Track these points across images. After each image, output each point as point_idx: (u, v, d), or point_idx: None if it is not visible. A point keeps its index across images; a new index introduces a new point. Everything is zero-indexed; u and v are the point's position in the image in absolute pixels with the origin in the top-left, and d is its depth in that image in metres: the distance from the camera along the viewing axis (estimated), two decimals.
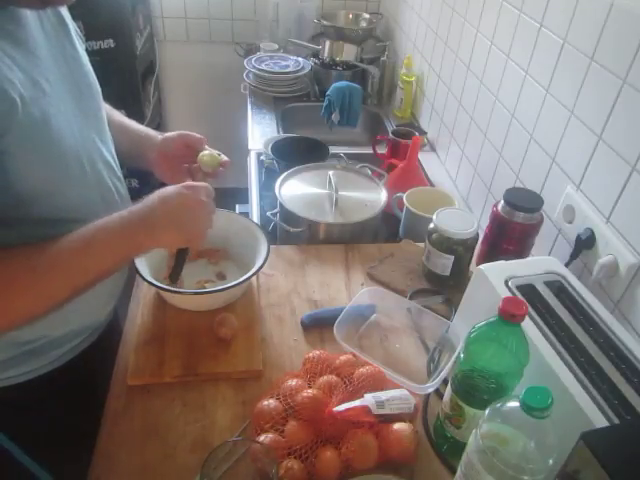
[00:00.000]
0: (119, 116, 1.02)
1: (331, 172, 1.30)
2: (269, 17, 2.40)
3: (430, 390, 0.86)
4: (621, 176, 0.86)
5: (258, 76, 2.08)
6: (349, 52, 2.10)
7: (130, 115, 1.05)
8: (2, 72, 0.64)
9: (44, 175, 0.72)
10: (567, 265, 0.94)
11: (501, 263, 0.88)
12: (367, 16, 2.34)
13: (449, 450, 0.79)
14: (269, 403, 0.78)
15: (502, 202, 1.02)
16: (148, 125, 1.07)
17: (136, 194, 1.01)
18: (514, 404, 0.58)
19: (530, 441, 0.57)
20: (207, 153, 0.93)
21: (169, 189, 0.79)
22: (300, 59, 2.19)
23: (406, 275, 1.13)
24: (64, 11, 0.83)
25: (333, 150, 1.55)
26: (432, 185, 1.54)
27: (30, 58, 0.70)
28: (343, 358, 0.86)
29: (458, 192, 1.53)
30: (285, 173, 1.32)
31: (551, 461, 0.56)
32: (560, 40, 1.03)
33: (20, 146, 0.67)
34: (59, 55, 0.78)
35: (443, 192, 1.36)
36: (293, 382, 0.81)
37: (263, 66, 2.10)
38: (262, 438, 0.73)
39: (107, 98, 0.93)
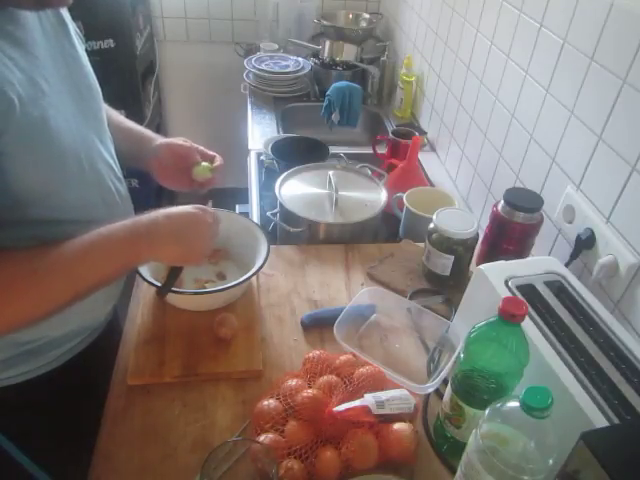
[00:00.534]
0: (118, 116, 1.02)
1: (331, 172, 1.30)
2: (269, 17, 2.40)
3: (430, 390, 0.86)
4: (621, 176, 0.86)
5: (258, 76, 2.08)
6: (349, 52, 2.10)
7: (130, 115, 1.05)
8: (0, 72, 0.63)
9: (43, 176, 0.72)
10: (567, 265, 0.94)
11: (501, 263, 0.88)
12: (367, 16, 2.34)
13: (449, 450, 0.79)
14: (269, 403, 0.78)
15: (502, 202, 1.02)
16: (148, 125, 1.07)
17: (136, 194, 1.01)
18: (514, 404, 0.58)
19: (530, 441, 0.57)
20: (200, 168, 0.94)
21: (178, 208, 0.80)
22: (300, 59, 2.19)
23: (406, 275, 1.13)
24: (64, 11, 0.82)
25: (333, 150, 1.55)
26: (432, 185, 1.54)
27: (29, 58, 0.70)
28: (343, 358, 0.86)
29: (458, 192, 1.53)
30: (285, 173, 1.32)
31: (551, 461, 0.56)
32: (560, 40, 1.03)
33: (18, 147, 0.67)
34: (58, 55, 0.77)
35: (443, 192, 1.36)
36: (293, 382, 0.81)
37: (263, 66, 2.10)
38: (262, 438, 0.73)
39: (107, 98, 0.93)
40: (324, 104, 1.82)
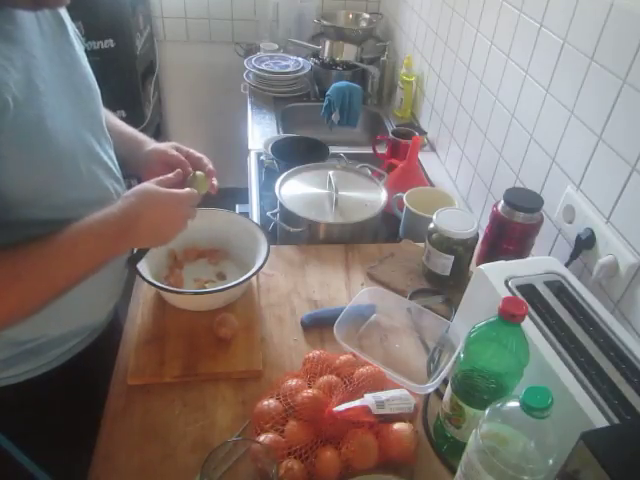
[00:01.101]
0: (113, 119, 1.01)
1: (331, 172, 1.30)
2: (269, 17, 2.40)
3: (430, 390, 0.86)
4: (621, 176, 0.86)
5: (258, 76, 2.08)
6: (349, 52, 2.10)
7: (130, 115, 1.05)
8: None
9: (38, 176, 0.72)
10: (567, 265, 0.94)
11: (501, 263, 0.88)
12: (367, 16, 2.34)
13: (449, 450, 0.79)
14: (269, 403, 0.78)
15: (502, 202, 1.02)
16: (148, 125, 1.07)
17: None
18: (514, 404, 0.58)
19: (530, 441, 0.57)
20: (197, 181, 0.88)
21: (156, 196, 0.79)
22: (300, 59, 2.19)
23: (406, 275, 1.13)
24: (63, 12, 0.82)
25: (333, 150, 1.55)
26: (432, 185, 1.54)
27: (26, 58, 0.70)
28: (343, 358, 0.86)
29: (458, 192, 1.53)
30: (285, 173, 1.32)
31: (551, 461, 0.56)
32: (560, 40, 1.03)
33: (13, 147, 0.67)
34: (56, 56, 0.77)
35: (443, 192, 1.36)
36: (293, 382, 0.81)
37: (263, 66, 2.10)
38: (262, 438, 0.73)
39: (107, 98, 0.93)
40: (324, 104, 1.82)
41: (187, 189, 0.83)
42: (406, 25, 2.08)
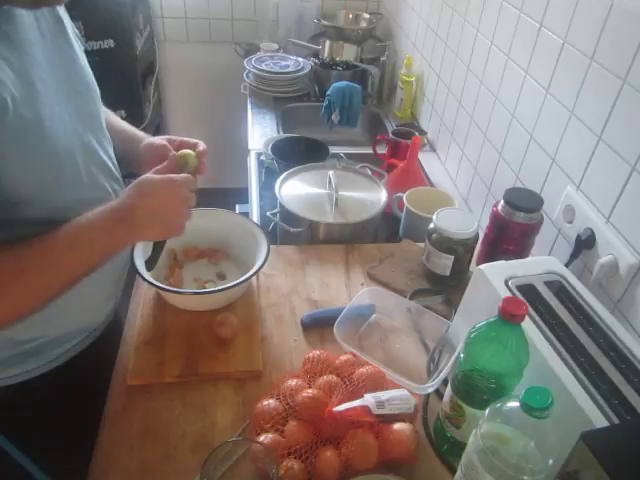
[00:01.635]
0: (113, 117, 1.01)
1: (331, 172, 1.30)
2: (269, 17, 2.40)
3: (430, 390, 0.86)
4: (621, 176, 0.86)
5: (258, 76, 2.08)
6: (349, 52, 2.10)
7: (130, 115, 1.05)
8: None
9: (37, 176, 0.72)
10: (567, 265, 0.94)
11: (501, 263, 0.88)
12: (367, 16, 2.34)
13: (449, 450, 0.79)
14: (269, 403, 0.78)
15: (502, 202, 1.02)
16: (148, 125, 1.07)
17: None
18: (514, 404, 0.58)
19: (530, 441, 0.57)
20: (183, 157, 0.87)
21: (151, 183, 0.78)
22: (300, 59, 2.19)
23: (406, 275, 1.13)
24: (62, 11, 0.82)
25: (333, 150, 1.55)
26: (432, 185, 1.54)
27: (24, 58, 0.70)
28: (343, 358, 0.86)
29: (458, 192, 1.53)
30: (285, 173, 1.32)
31: (551, 461, 0.56)
32: (560, 40, 1.03)
33: (11, 147, 0.67)
34: (55, 55, 0.77)
35: (443, 192, 1.36)
36: (293, 382, 0.81)
37: (263, 66, 2.10)
38: (262, 438, 0.73)
39: (107, 98, 0.93)
40: (324, 104, 1.82)
41: (182, 174, 0.82)
42: (406, 25, 2.08)
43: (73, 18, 0.86)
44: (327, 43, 2.14)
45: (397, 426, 0.76)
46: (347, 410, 0.74)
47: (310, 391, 0.77)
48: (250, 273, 0.94)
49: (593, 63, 0.93)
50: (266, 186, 1.49)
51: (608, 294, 0.90)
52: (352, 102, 1.81)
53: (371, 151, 1.63)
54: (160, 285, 0.92)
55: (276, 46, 2.30)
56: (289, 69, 2.12)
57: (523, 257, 1.02)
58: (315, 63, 2.17)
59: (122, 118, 1.04)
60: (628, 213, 0.86)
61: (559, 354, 0.72)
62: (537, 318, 0.79)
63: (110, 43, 2.02)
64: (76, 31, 0.86)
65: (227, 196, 2.18)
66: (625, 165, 0.85)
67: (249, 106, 2.02)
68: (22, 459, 0.87)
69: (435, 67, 1.73)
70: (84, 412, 0.86)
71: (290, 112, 2.02)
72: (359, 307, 1.00)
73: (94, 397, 0.87)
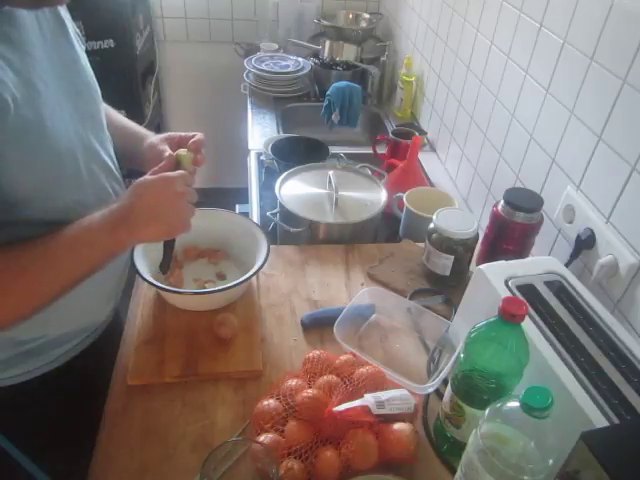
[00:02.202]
0: (116, 115, 1.01)
1: (331, 172, 1.30)
2: (269, 17, 2.40)
3: (430, 390, 0.86)
4: (621, 176, 0.86)
5: (258, 76, 2.08)
6: (349, 52, 2.10)
7: (130, 115, 1.05)
8: None
9: (38, 177, 0.72)
10: (567, 265, 0.94)
11: (501, 263, 0.88)
12: (367, 16, 2.34)
13: (449, 450, 0.79)
14: (269, 403, 0.78)
15: (502, 202, 1.02)
16: (148, 125, 1.06)
17: None
18: (514, 404, 0.58)
19: (530, 441, 0.57)
20: (179, 158, 0.85)
21: (145, 182, 0.77)
22: (300, 59, 2.19)
23: (406, 275, 1.13)
24: (63, 12, 0.82)
25: (333, 150, 1.55)
26: (432, 185, 1.54)
27: (25, 59, 0.70)
28: (343, 358, 0.86)
29: (458, 192, 1.53)
30: (285, 173, 1.32)
31: (551, 461, 0.56)
32: (560, 40, 1.03)
33: (12, 148, 0.67)
34: (56, 56, 0.77)
35: (443, 192, 1.36)
36: (293, 382, 0.81)
37: (263, 66, 2.10)
38: (262, 438, 0.73)
39: (107, 98, 0.93)
40: (324, 104, 1.82)
41: (177, 171, 0.81)
42: (406, 25, 2.08)
43: (73, 18, 0.86)
44: (327, 43, 2.14)
45: (397, 426, 0.76)
46: (347, 410, 0.74)
47: (310, 391, 0.77)
48: (250, 273, 0.94)
49: (593, 63, 0.93)
50: (266, 186, 1.49)
51: (608, 294, 0.90)
52: (352, 102, 1.81)
53: (371, 151, 1.63)
54: (160, 285, 0.92)
55: (276, 46, 2.30)
56: (289, 69, 2.12)
57: (523, 257, 1.02)
58: (315, 63, 2.17)
59: None
60: (628, 213, 0.86)
61: (559, 354, 0.73)
62: (537, 318, 0.79)
63: (110, 43, 2.03)
64: (77, 31, 0.86)
65: (227, 196, 2.18)
66: (625, 165, 0.85)
67: (249, 106, 2.02)
68: (22, 459, 0.87)
69: (435, 67, 1.73)
70: (84, 412, 0.86)
71: (290, 112, 2.02)
72: (359, 307, 1.00)
73: (94, 397, 0.87)
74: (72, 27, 0.84)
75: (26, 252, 0.70)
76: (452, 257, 1.06)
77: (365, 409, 0.75)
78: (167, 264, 0.89)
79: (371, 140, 1.70)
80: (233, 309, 0.98)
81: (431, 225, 1.08)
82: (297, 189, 1.29)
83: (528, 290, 0.83)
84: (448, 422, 0.77)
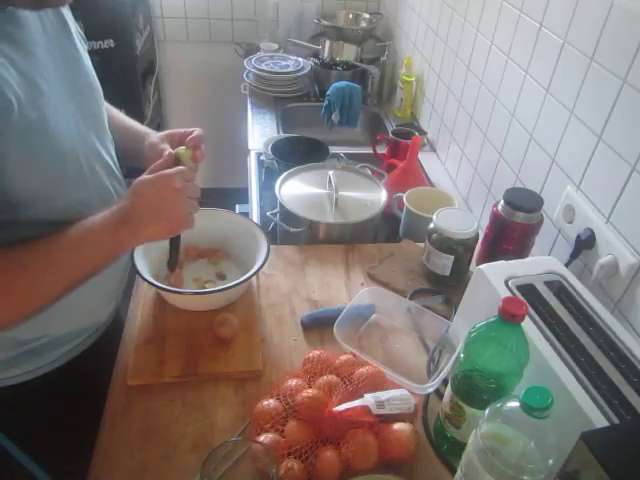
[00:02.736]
0: (118, 114, 1.01)
1: (331, 172, 1.30)
2: (269, 17, 2.40)
3: (430, 390, 0.86)
4: (621, 176, 0.86)
5: (258, 76, 2.08)
6: (349, 52, 2.10)
7: (130, 115, 1.05)
8: None
9: (40, 177, 0.72)
10: (567, 265, 0.94)
11: (501, 263, 0.88)
12: (367, 16, 2.34)
13: (449, 450, 0.79)
14: (269, 403, 0.78)
15: (502, 202, 1.02)
16: (148, 125, 1.06)
17: None
18: (514, 404, 0.58)
19: (530, 441, 0.57)
20: (178, 156, 0.85)
21: (144, 181, 0.77)
22: (300, 59, 2.19)
23: (406, 275, 1.13)
24: (66, 11, 0.83)
25: (333, 150, 1.55)
26: (432, 185, 1.54)
27: (29, 59, 0.70)
28: (343, 358, 0.86)
29: (458, 192, 1.53)
30: (285, 173, 1.32)
31: (551, 461, 0.56)
32: (560, 40, 1.03)
33: (16, 148, 0.67)
34: (59, 56, 0.77)
35: (443, 192, 1.36)
36: (293, 382, 0.81)
37: (263, 66, 2.10)
38: (262, 438, 0.73)
39: (107, 98, 0.93)
40: (324, 104, 1.82)
41: (176, 167, 0.80)
42: (406, 25, 2.08)
43: (74, 18, 0.86)
44: (327, 43, 2.14)
45: (397, 426, 0.76)
46: (347, 410, 0.74)
47: (310, 391, 0.77)
48: (250, 273, 0.94)
49: (593, 63, 0.93)
50: (266, 186, 1.49)
51: (608, 294, 0.90)
52: (352, 102, 1.81)
53: (371, 151, 1.63)
54: (160, 285, 0.92)
55: (276, 46, 2.30)
56: (289, 69, 2.12)
57: (523, 257, 1.02)
58: (315, 63, 2.17)
59: None
60: (628, 213, 0.86)
61: (559, 354, 0.73)
62: (537, 318, 0.79)
63: (110, 43, 2.03)
64: (80, 31, 0.87)
65: (227, 196, 2.18)
66: (625, 165, 0.85)
67: (249, 106, 2.02)
68: (23, 458, 0.87)
69: (435, 67, 1.73)
70: (84, 412, 0.86)
71: (290, 112, 2.02)
72: (359, 307, 1.00)
73: (95, 397, 0.87)
74: (75, 27, 0.85)
75: (28, 252, 0.70)
76: (452, 257, 1.06)
77: (365, 409, 0.75)
78: (174, 262, 0.90)
79: (371, 140, 1.70)
80: (233, 309, 0.98)
81: (431, 225, 1.08)
82: (297, 189, 1.29)
83: (528, 290, 0.83)
84: (448, 422, 0.77)
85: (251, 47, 2.38)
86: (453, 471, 0.72)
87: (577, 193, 0.99)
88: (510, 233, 1.02)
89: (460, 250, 1.06)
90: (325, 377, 0.81)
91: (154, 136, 0.93)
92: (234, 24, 2.50)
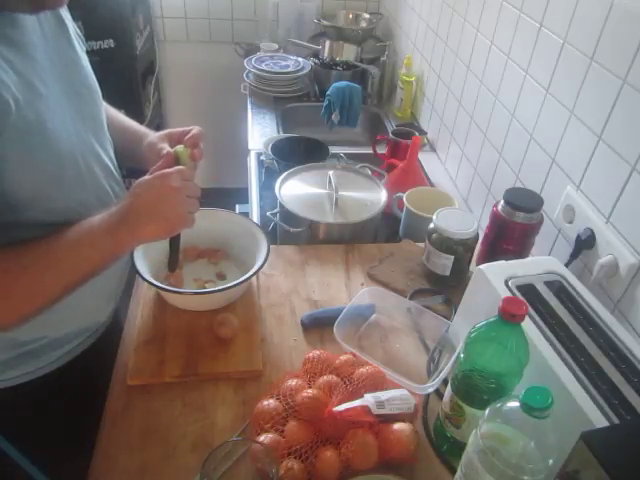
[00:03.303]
0: (117, 115, 1.01)
1: (331, 172, 1.30)
2: (269, 17, 2.40)
3: (430, 390, 0.86)
4: (621, 176, 0.86)
5: (258, 76, 2.08)
6: (349, 52, 2.10)
7: (130, 115, 1.05)
8: None
9: (39, 178, 0.72)
10: (567, 265, 0.94)
11: (501, 263, 0.88)
12: (367, 16, 2.34)
13: (449, 450, 0.79)
14: (269, 403, 0.78)
15: (502, 202, 1.02)
16: (148, 125, 1.06)
17: None
18: (514, 404, 0.58)
19: (530, 441, 0.57)
20: (177, 155, 0.85)
21: (143, 182, 0.77)
22: (300, 59, 2.19)
23: (406, 275, 1.13)
24: (64, 12, 0.82)
25: (333, 150, 1.55)
26: (432, 185, 1.54)
27: (27, 61, 0.70)
28: (343, 358, 0.86)
29: (458, 192, 1.53)
30: (285, 173, 1.32)
31: (551, 461, 0.56)
32: (560, 40, 1.03)
33: (14, 149, 0.67)
34: (57, 57, 0.77)
35: (443, 192, 1.36)
36: (293, 382, 0.81)
37: (263, 66, 2.10)
38: (262, 438, 0.73)
39: (107, 98, 0.93)
40: (324, 104, 1.82)
41: (175, 167, 0.80)
42: (406, 25, 2.08)
43: (73, 18, 0.86)
44: (327, 43, 2.14)
45: (397, 426, 0.76)
46: (347, 410, 0.74)
47: (310, 391, 0.77)
48: (250, 273, 0.94)
49: (593, 63, 0.93)
50: (266, 186, 1.49)
51: (608, 294, 0.90)
52: (352, 102, 1.81)
53: (371, 151, 1.63)
54: (160, 285, 0.92)
55: (276, 46, 2.30)
56: (289, 69, 2.12)
57: (523, 257, 1.02)
58: (315, 63, 2.17)
59: None
60: (628, 213, 0.86)
61: (559, 354, 0.72)
62: (537, 318, 0.79)
63: (110, 43, 2.03)
64: (78, 32, 0.87)
65: (227, 196, 2.18)
66: (625, 165, 0.85)
67: (249, 106, 2.02)
68: (21, 460, 0.87)
69: (435, 67, 1.73)
70: (84, 412, 0.86)
71: (290, 112, 2.02)
72: (359, 307, 1.00)
73: (95, 397, 0.87)
74: (73, 28, 0.85)
75: (27, 253, 0.70)
76: (452, 257, 1.06)
77: (365, 409, 0.75)
78: (174, 262, 0.90)
79: (371, 140, 1.70)
80: (233, 309, 0.98)
81: (431, 225, 1.08)
82: (297, 189, 1.29)
83: (528, 290, 0.83)
84: (448, 422, 0.77)
85: (251, 47, 2.38)
86: (453, 471, 0.72)
87: (577, 193, 0.99)
88: (510, 233, 1.02)
89: (460, 250, 1.06)
90: (325, 377, 0.81)
91: (152, 136, 0.93)
92: (234, 24, 2.50)
